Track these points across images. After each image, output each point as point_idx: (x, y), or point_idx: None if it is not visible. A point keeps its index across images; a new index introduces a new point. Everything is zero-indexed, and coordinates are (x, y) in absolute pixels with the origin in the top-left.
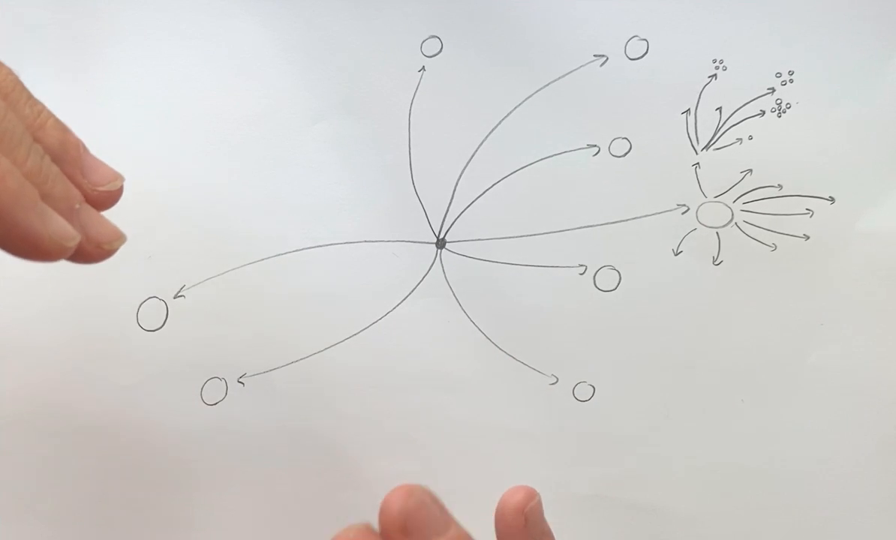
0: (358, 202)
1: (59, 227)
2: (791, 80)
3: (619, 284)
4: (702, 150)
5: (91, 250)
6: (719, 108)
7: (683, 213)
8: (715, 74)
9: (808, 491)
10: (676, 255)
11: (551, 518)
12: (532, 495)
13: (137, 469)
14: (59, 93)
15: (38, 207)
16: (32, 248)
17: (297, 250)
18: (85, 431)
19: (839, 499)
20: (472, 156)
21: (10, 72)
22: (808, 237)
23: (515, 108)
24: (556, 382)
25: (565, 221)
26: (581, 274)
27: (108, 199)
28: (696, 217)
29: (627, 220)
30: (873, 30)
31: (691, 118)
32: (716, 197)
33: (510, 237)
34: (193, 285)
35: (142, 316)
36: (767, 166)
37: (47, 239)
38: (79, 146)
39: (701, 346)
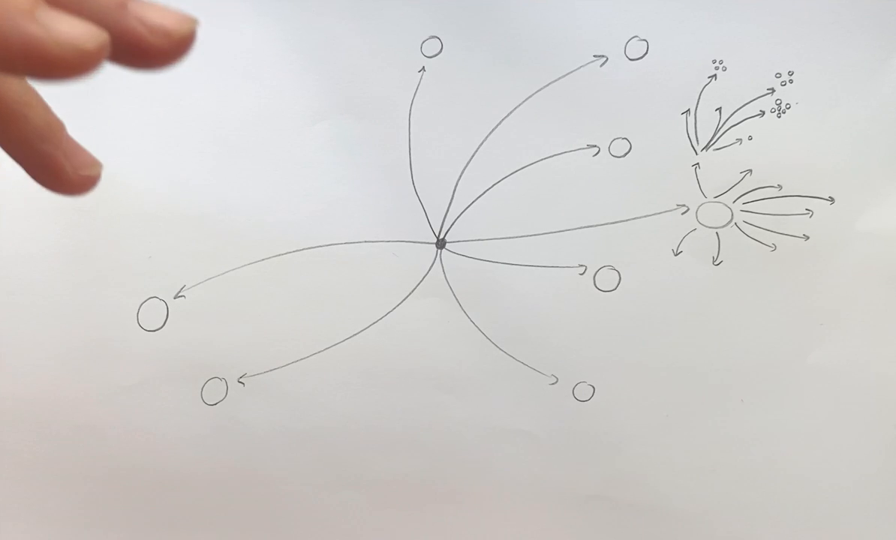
0: (358, 202)
1: (70, 26)
2: (791, 81)
3: (619, 284)
4: (702, 150)
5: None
6: (719, 109)
7: (683, 214)
8: (715, 75)
9: (808, 491)
10: (676, 255)
11: (552, 518)
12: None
13: (137, 469)
14: (59, 93)
15: (36, 11)
16: (41, 63)
17: (297, 250)
18: (85, 431)
19: (839, 499)
20: (472, 156)
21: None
22: (807, 237)
23: (515, 108)
24: (556, 382)
25: (565, 221)
26: (581, 274)
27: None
28: (696, 217)
29: (627, 220)
30: (873, 30)
31: (691, 118)
32: (715, 197)
33: (510, 237)
34: (193, 285)
35: (142, 316)
36: (767, 166)
37: (54, 45)
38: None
39: (701, 346)
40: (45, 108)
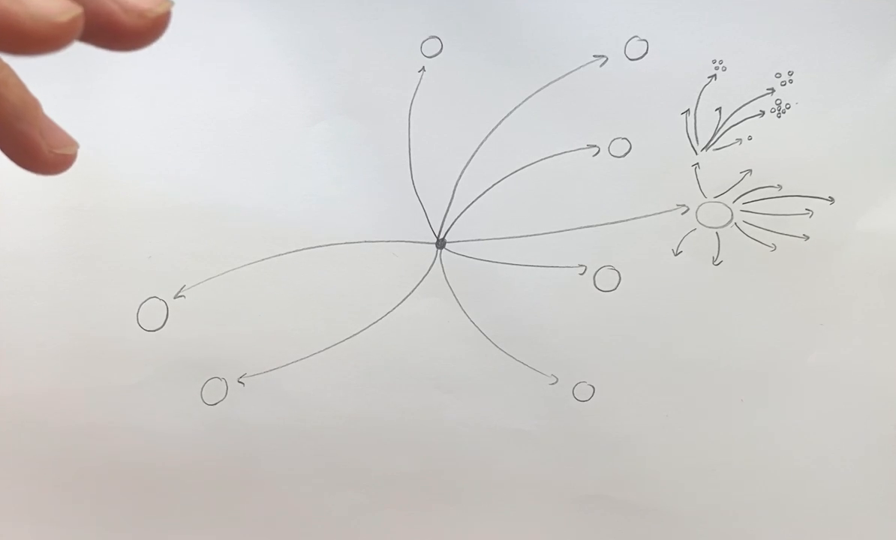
0: (358, 202)
1: (43, 2)
2: (791, 81)
3: (619, 284)
4: (701, 150)
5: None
6: (719, 109)
7: (683, 214)
8: (715, 75)
9: (808, 491)
10: (676, 255)
11: (552, 518)
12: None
13: (137, 469)
14: (60, 93)
15: None
16: (14, 35)
17: (297, 250)
18: (85, 431)
19: (839, 499)
20: (472, 156)
21: None
22: (807, 237)
23: (515, 108)
24: (556, 382)
25: (565, 221)
26: (581, 274)
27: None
28: (696, 217)
29: (627, 220)
30: (873, 30)
31: (691, 118)
32: (715, 197)
33: (510, 237)
34: (193, 285)
35: (142, 316)
36: (767, 166)
37: (27, 18)
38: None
39: (701, 346)
40: (21, 86)
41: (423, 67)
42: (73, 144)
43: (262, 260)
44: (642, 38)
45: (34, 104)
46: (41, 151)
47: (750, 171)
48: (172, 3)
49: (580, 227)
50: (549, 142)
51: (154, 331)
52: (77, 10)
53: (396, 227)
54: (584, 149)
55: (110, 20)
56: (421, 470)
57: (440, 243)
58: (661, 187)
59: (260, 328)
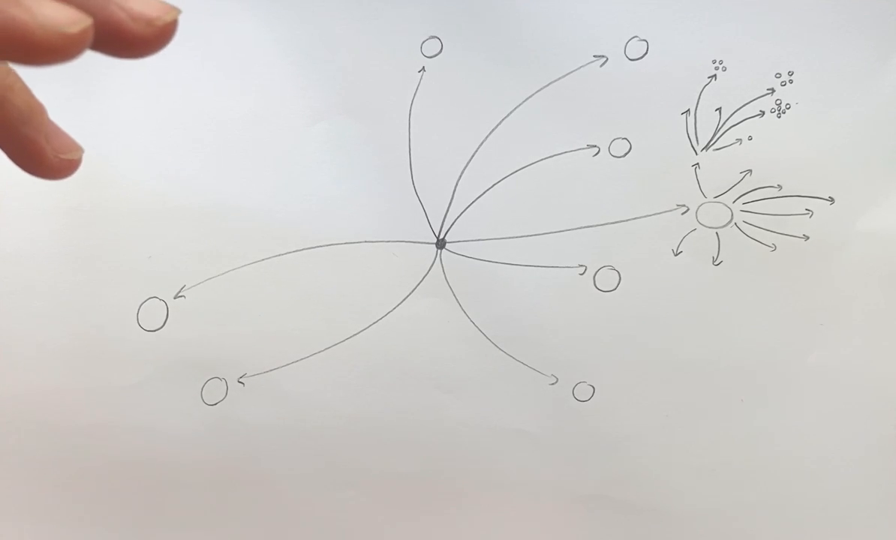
0: (358, 202)
1: (54, 10)
2: (791, 81)
3: (619, 284)
4: (701, 150)
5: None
6: (719, 109)
7: (683, 214)
8: (715, 75)
9: (808, 491)
10: (676, 255)
11: (552, 518)
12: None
13: (137, 469)
14: (59, 94)
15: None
16: (25, 46)
17: (297, 250)
18: (85, 431)
19: (839, 499)
20: (472, 156)
21: None
22: (807, 237)
23: (515, 108)
24: (556, 382)
25: (565, 221)
26: (581, 274)
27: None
28: (696, 217)
29: (627, 220)
30: (873, 30)
31: (691, 118)
32: (715, 197)
33: (510, 237)
34: (193, 285)
35: (142, 316)
36: (767, 167)
37: (38, 28)
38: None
39: (701, 346)
40: (27, 92)
41: (423, 67)
42: (78, 150)
43: (262, 260)
44: (642, 38)
45: (40, 109)
46: (46, 156)
47: (750, 171)
48: (180, 11)
49: (580, 228)
50: (549, 142)
51: (154, 331)
52: (87, 20)
53: (396, 227)
54: (584, 149)
55: (118, 29)
56: (421, 470)
57: (440, 243)
58: (661, 187)
59: (260, 328)
